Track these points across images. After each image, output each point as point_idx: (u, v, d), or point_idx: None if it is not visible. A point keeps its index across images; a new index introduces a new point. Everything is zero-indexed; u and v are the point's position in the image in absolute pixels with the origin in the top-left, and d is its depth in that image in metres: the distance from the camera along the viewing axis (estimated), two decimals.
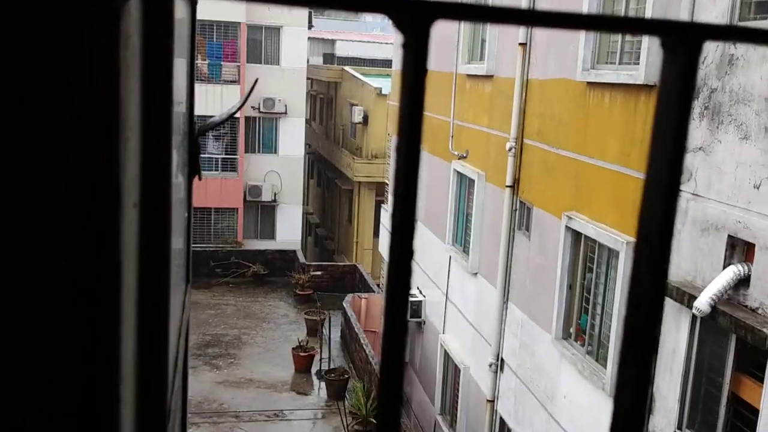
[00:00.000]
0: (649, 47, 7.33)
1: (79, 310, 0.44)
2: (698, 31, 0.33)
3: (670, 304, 6.84)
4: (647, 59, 7.35)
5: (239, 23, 25.36)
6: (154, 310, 0.64)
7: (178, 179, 0.96)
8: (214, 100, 24.28)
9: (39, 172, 0.41)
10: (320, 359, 17.16)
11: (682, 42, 0.33)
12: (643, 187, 0.37)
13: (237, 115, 24.72)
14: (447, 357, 13.22)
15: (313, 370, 17.39)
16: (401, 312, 0.39)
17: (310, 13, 27.66)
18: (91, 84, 0.41)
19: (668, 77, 0.33)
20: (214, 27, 25.24)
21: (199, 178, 1.26)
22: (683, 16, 6.82)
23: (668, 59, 0.34)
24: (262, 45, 26.41)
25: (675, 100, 0.33)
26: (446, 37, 13.39)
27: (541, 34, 9.98)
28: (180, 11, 1.07)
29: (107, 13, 0.40)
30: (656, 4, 7.24)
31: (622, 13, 8.15)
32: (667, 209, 0.34)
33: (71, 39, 0.40)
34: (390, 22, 0.33)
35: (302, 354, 17.35)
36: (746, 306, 5.94)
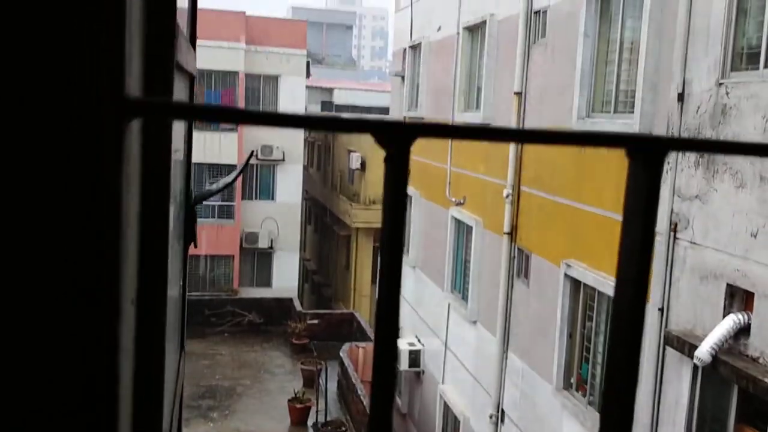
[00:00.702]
0: (644, 96, 7.45)
1: (76, 410, 0.45)
2: (661, 144, 0.35)
3: (671, 354, 6.79)
4: (642, 108, 7.45)
5: (237, 72, 25.76)
6: (148, 402, 0.64)
7: (175, 249, 0.98)
8: (212, 148, 24.46)
9: (42, 280, 0.43)
10: (317, 411, 16.89)
11: (646, 154, 0.35)
12: (615, 287, 0.38)
13: (234, 162, 24.87)
14: (446, 408, 13.03)
15: (310, 422, 17.09)
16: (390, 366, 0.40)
17: (308, 62, 28.09)
18: (94, 200, 0.43)
19: (634, 185, 0.35)
20: (213, 76, 25.62)
21: (195, 246, 1.27)
22: (675, 69, 6.95)
23: (633, 168, 0.35)
24: (260, 93, 26.77)
25: (641, 207, 0.35)
26: (443, 86, 13.59)
27: (536, 83, 10.14)
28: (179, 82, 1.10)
29: (111, 133, 0.42)
30: (647, 60, 7.37)
31: (615, 71, 8.28)
32: (636, 312, 0.36)
33: (76, 157, 0.42)
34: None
35: (298, 406, 17.08)
36: (747, 355, 5.89)
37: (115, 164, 0.43)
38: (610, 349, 0.43)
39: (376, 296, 0.35)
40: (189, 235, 1.21)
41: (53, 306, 0.43)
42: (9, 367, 0.44)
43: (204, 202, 25.92)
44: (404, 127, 0.32)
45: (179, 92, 1.04)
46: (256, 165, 26.59)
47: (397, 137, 0.32)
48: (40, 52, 0.41)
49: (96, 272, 0.43)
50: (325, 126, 0.34)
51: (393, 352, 0.36)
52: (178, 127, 1.15)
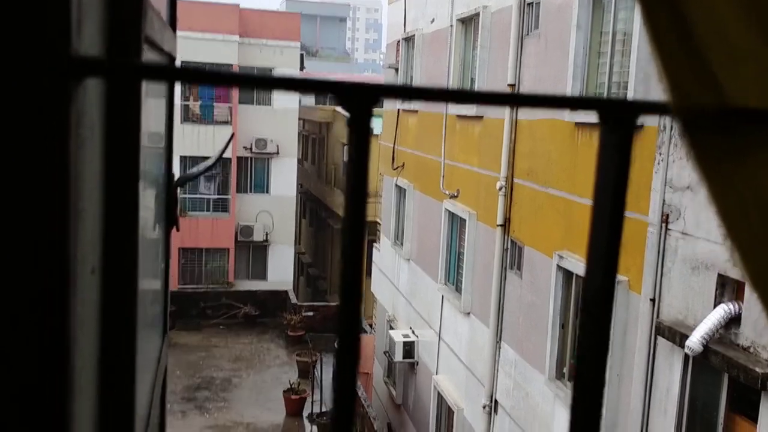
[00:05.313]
0: (636, 87, 7.45)
1: (22, 390, 0.44)
2: (632, 107, 0.34)
3: (662, 344, 6.82)
4: (634, 98, 7.45)
5: (231, 65, 25.66)
6: (117, 381, 0.63)
7: (155, 231, 0.97)
8: (206, 141, 24.43)
9: None
10: (312, 402, 16.95)
11: (618, 117, 0.34)
12: (586, 263, 0.38)
13: (229, 155, 24.83)
14: (440, 398, 13.07)
15: (305, 413, 17.15)
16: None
17: (301, 55, 28.01)
18: (39, 160, 0.42)
19: (606, 150, 0.35)
20: (207, 68, 25.50)
21: (177, 229, 1.26)
22: None
23: (605, 133, 0.35)
24: None
25: (613, 173, 0.34)
26: (437, 77, 13.57)
27: (529, 74, 10.13)
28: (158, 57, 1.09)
29: (56, 94, 0.41)
30: (640, 50, 7.36)
31: (607, 62, 8.29)
32: (606, 281, 0.35)
33: (18, 119, 0.41)
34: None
35: (294, 397, 17.13)
36: (738, 345, 5.92)
37: (60, 122, 0.42)
38: (581, 325, 0.43)
39: (339, 279, 0.34)
40: (170, 219, 1.20)
41: None
42: None
43: (199, 196, 25.90)
44: (365, 87, 0.31)
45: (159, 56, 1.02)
46: (251, 158, 26.55)
47: (358, 98, 0.31)
48: None
49: (41, 234, 0.42)
50: (285, 86, 0.33)
51: (357, 315, 0.36)
52: (159, 109, 1.14)
